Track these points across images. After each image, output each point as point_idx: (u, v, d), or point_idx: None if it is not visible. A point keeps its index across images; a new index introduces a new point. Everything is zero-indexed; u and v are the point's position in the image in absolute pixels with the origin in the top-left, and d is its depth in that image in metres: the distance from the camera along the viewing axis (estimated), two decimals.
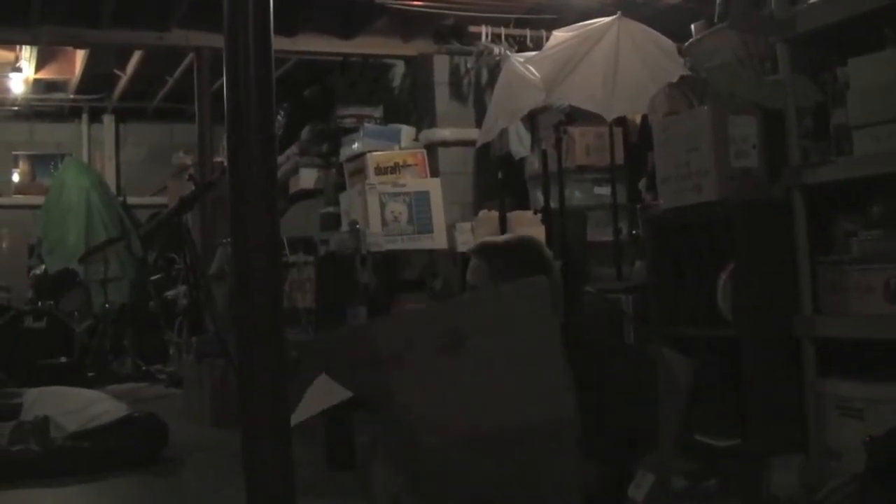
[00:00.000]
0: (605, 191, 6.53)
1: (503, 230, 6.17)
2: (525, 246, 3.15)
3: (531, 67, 5.75)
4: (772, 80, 3.79)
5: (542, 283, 2.52)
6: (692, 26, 4.91)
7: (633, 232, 5.78)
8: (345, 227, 5.77)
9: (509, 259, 3.03)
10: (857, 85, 3.36)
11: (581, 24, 5.71)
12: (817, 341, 3.46)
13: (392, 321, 2.85)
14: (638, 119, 6.02)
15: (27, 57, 9.64)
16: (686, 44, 4.99)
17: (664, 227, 4.03)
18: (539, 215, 5.81)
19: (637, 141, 6.16)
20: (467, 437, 2.38)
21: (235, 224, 3.02)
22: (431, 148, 7.76)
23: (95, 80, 10.75)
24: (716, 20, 4.56)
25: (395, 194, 6.53)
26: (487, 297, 2.72)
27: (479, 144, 6.98)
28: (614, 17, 5.49)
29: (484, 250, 3.14)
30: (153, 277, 9.62)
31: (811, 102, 3.65)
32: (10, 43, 8.93)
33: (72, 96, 11.50)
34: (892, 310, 3.22)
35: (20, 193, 12.40)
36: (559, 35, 5.75)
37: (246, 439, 2.95)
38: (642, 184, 5.27)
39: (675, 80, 4.63)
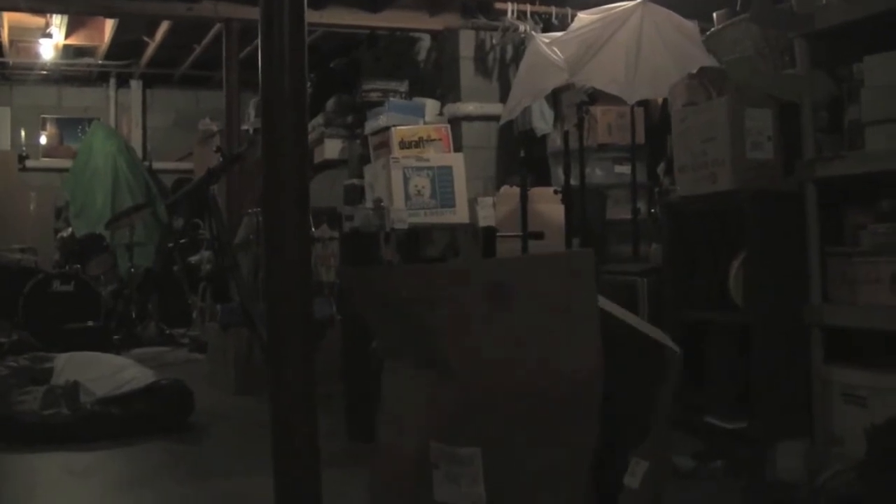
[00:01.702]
0: (625, 169, 6.61)
1: (524, 206, 6.26)
2: None
3: (556, 49, 5.82)
4: (789, 73, 3.87)
5: (589, 253, 2.62)
6: (714, 15, 4.99)
7: (652, 211, 5.86)
8: (369, 202, 5.84)
9: None
10: (872, 82, 3.44)
11: (605, 6, 5.78)
12: (825, 329, 3.56)
13: (440, 267, 2.92)
14: (660, 100, 6.10)
15: (57, 23, 9.75)
16: (707, 33, 5.07)
17: (680, 214, 4.14)
18: (559, 194, 5.90)
19: (658, 121, 6.25)
20: (505, 386, 2.47)
21: (268, 189, 3.12)
22: (455, 122, 7.86)
23: (124, 46, 10.86)
24: (738, 9, 4.64)
25: (419, 168, 6.59)
26: (536, 259, 2.79)
27: (502, 122, 7.07)
28: (638, 1, 5.56)
29: None
30: (176, 242, 9.75)
31: (827, 97, 3.72)
32: (42, 12, 9.04)
33: (100, 62, 11.62)
34: None
35: (48, 156, 12.55)
36: (583, 17, 5.82)
37: (274, 406, 3.05)
38: (661, 168, 5.36)
39: (697, 64, 4.73)
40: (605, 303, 2.65)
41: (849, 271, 3.52)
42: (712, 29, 4.93)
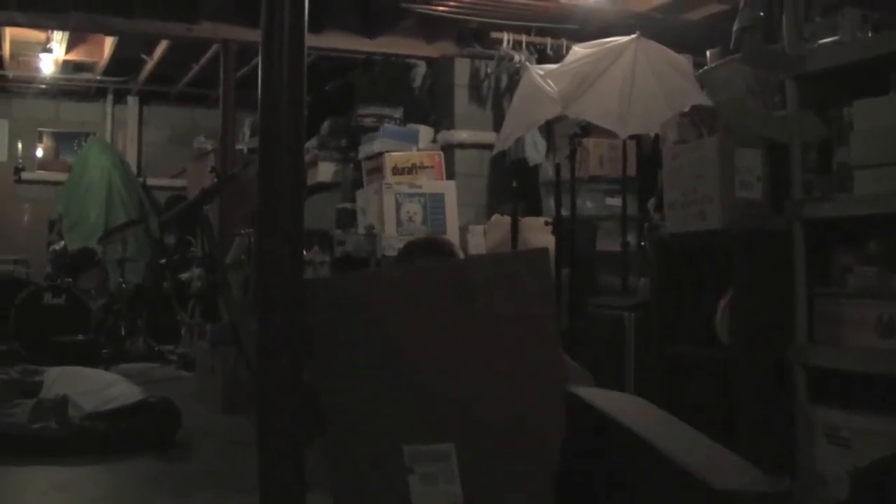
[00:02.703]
0: (616, 202, 6.68)
1: (515, 235, 6.32)
2: (439, 244, 3.35)
3: (550, 81, 5.89)
4: (779, 114, 3.93)
5: (545, 253, 2.65)
6: (707, 53, 5.06)
7: (641, 244, 5.92)
8: (361, 226, 5.92)
9: (427, 255, 3.26)
10: (861, 126, 3.49)
11: (600, 41, 5.85)
12: (810, 369, 3.60)
13: (401, 270, 2.98)
14: (653, 133, 6.16)
15: (58, 39, 9.80)
16: (700, 71, 5.13)
17: (669, 250, 4.19)
18: (550, 225, 5.96)
19: (650, 155, 6.31)
20: (472, 388, 2.51)
21: (264, 208, 3.18)
22: (448, 149, 7.92)
23: (122, 62, 10.92)
24: (731, 47, 4.71)
25: (411, 195, 6.67)
26: (495, 257, 2.84)
27: (495, 152, 7.14)
28: (633, 36, 5.62)
29: (407, 248, 3.38)
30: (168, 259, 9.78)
31: (817, 138, 3.78)
32: (42, 28, 9.08)
33: (99, 77, 11.67)
34: (883, 344, 3.36)
35: (43, 169, 12.57)
36: (578, 50, 5.89)
37: (260, 425, 3.10)
38: (651, 203, 5.42)
39: (689, 100, 4.80)
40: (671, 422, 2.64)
41: (835, 312, 3.56)
42: (705, 67, 5.00)
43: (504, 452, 2.51)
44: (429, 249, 3.32)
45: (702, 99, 4.80)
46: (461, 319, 2.54)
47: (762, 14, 4.43)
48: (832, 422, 3.48)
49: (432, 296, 2.57)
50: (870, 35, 3.56)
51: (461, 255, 3.28)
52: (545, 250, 2.69)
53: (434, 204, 6.55)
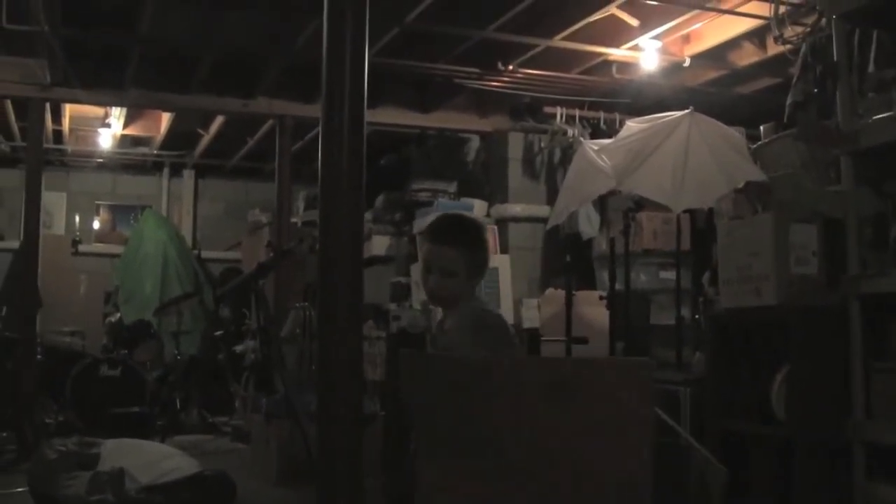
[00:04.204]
0: (670, 275, 6.66)
1: (569, 309, 6.31)
2: (466, 226, 3.37)
3: (603, 156, 5.92)
4: (834, 189, 3.94)
5: (649, 363, 2.66)
6: (762, 128, 5.08)
7: (696, 317, 5.90)
8: (416, 301, 5.95)
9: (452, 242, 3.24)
10: None
11: (653, 115, 5.88)
12: (868, 446, 3.57)
13: (504, 357, 2.98)
14: (706, 207, 6.16)
15: (116, 114, 9.98)
16: (754, 146, 5.15)
17: (724, 326, 4.18)
18: (604, 299, 5.96)
19: (704, 227, 6.30)
20: (562, 482, 2.52)
21: (324, 279, 3.23)
22: (502, 223, 7.97)
23: (179, 137, 11.08)
24: (785, 122, 4.73)
25: None
26: (596, 362, 2.84)
27: (549, 226, 7.16)
28: (686, 112, 5.65)
29: (434, 228, 3.38)
30: (223, 332, 9.85)
31: (872, 213, 3.78)
32: (101, 105, 9.26)
33: (155, 152, 11.86)
34: None
35: (100, 242, 12.75)
36: (632, 125, 5.92)
37: (321, 499, 3.12)
38: (706, 277, 5.40)
39: (743, 175, 4.81)
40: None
41: (892, 388, 3.54)
42: (759, 142, 5.02)
43: None
44: (455, 233, 3.26)
45: (756, 174, 4.81)
46: (559, 416, 2.56)
47: (815, 90, 4.45)
48: (890, 499, 3.45)
49: (532, 388, 2.59)
50: None
51: (488, 241, 3.25)
52: (648, 362, 2.71)
53: (488, 278, 6.55)
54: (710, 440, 4.05)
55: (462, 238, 3.24)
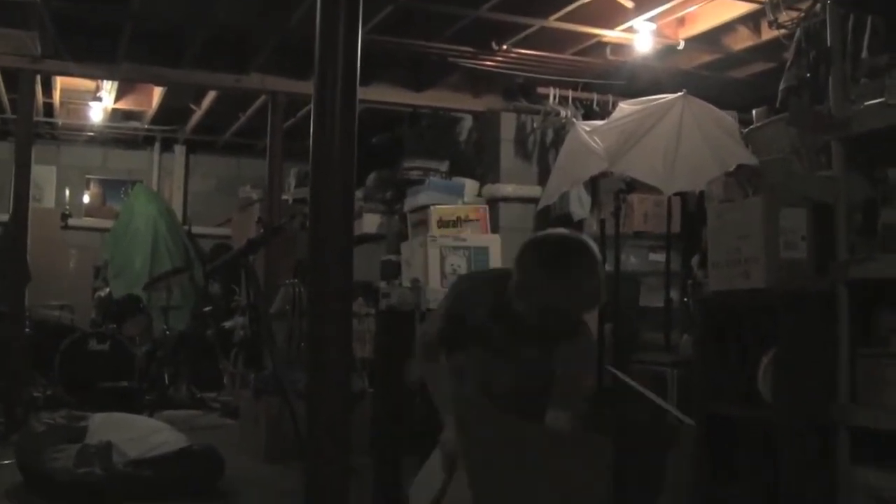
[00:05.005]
0: (659, 258, 6.69)
1: None
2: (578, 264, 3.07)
3: (596, 137, 5.93)
4: (825, 175, 3.94)
5: (607, 447, 2.86)
6: (753, 112, 5.09)
7: (684, 300, 5.92)
8: (406, 279, 5.94)
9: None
10: None
11: (646, 98, 5.89)
12: (852, 430, 3.59)
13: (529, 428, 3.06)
14: (697, 191, 6.18)
15: (107, 88, 9.95)
16: (746, 130, 5.16)
17: (713, 309, 4.19)
18: None
19: (694, 210, 6.32)
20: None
21: (315, 257, 3.23)
22: (493, 203, 7.95)
23: (170, 112, 11.05)
24: (777, 106, 4.73)
25: (456, 248, 6.66)
26: (564, 438, 2.95)
27: (540, 207, 7.17)
28: (679, 94, 5.66)
29: (542, 253, 3.09)
30: (212, 307, 9.85)
31: (862, 199, 3.79)
32: (92, 78, 9.23)
33: (147, 126, 11.83)
34: None
35: (90, 216, 12.72)
36: (625, 107, 5.93)
37: (309, 474, 3.13)
38: (695, 260, 5.42)
39: (735, 159, 4.82)
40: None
41: (878, 373, 3.56)
42: (751, 126, 5.02)
43: None
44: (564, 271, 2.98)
45: (747, 158, 4.81)
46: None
47: (808, 75, 4.45)
48: (875, 483, 3.47)
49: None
50: None
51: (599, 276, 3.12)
52: (607, 443, 2.90)
53: (478, 257, 6.55)
54: (696, 422, 4.07)
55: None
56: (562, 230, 3.14)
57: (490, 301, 3.18)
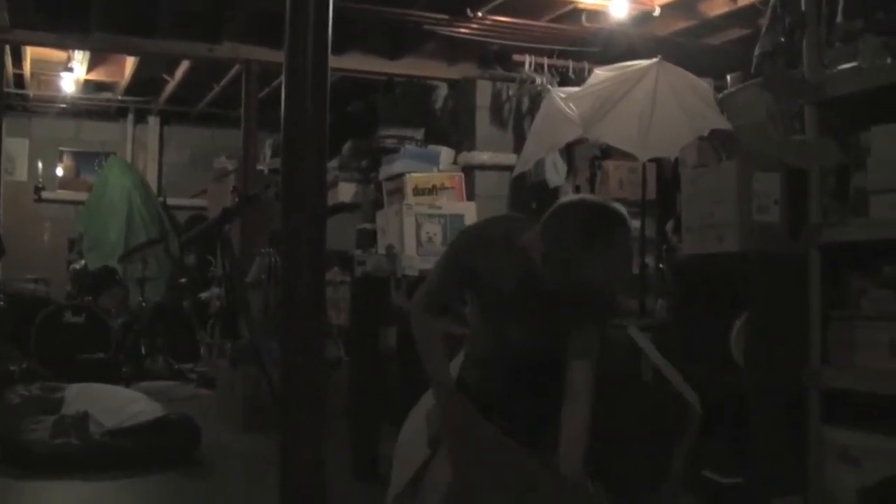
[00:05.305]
0: (635, 224, 6.69)
1: None
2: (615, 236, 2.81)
3: (571, 104, 5.91)
4: (798, 140, 3.96)
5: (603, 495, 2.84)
6: (728, 77, 5.09)
7: (659, 266, 5.94)
8: (381, 247, 5.95)
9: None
10: (878, 152, 3.53)
11: (621, 64, 5.87)
12: (823, 391, 3.63)
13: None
14: (673, 157, 6.19)
15: (79, 59, 9.87)
16: (720, 95, 5.16)
17: (686, 272, 4.22)
18: None
19: (670, 177, 6.33)
20: None
21: (287, 226, 3.23)
22: (469, 171, 7.95)
23: (143, 83, 10.99)
24: (752, 72, 4.74)
25: (431, 216, 6.69)
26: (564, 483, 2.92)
27: (515, 173, 7.16)
28: (654, 60, 5.64)
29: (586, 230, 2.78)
30: (188, 278, 9.83)
31: (834, 164, 3.80)
32: (64, 48, 9.16)
33: (119, 97, 11.76)
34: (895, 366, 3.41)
35: (63, 189, 12.65)
36: (600, 73, 5.91)
37: (283, 442, 3.13)
38: (669, 226, 5.43)
39: (709, 125, 4.82)
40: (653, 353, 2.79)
41: (849, 335, 3.59)
42: (725, 91, 5.03)
43: None
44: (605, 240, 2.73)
45: (722, 123, 4.82)
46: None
47: (783, 40, 4.45)
48: (843, 441, 3.52)
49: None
50: (889, 62, 3.58)
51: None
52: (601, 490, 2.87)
53: (454, 225, 6.56)
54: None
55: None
56: (598, 198, 2.95)
57: (503, 256, 2.99)
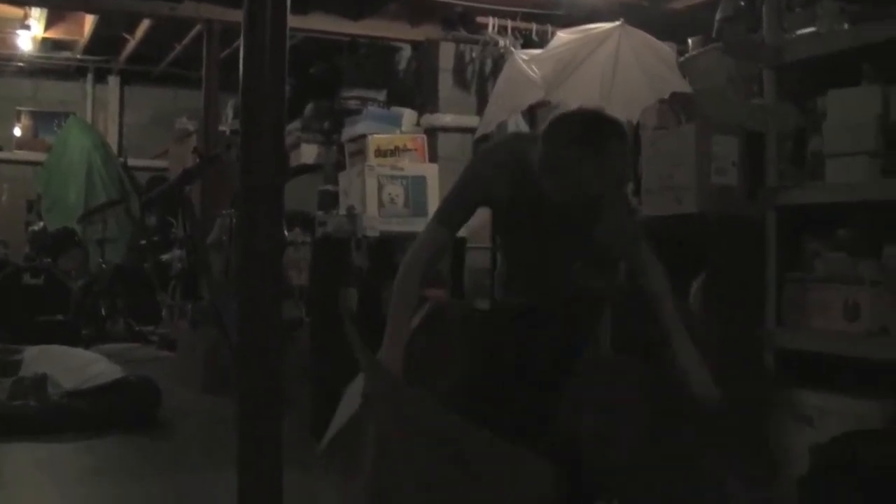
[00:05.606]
0: None
1: None
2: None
3: (533, 66, 5.92)
4: (757, 103, 3.98)
5: (545, 470, 2.79)
6: (689, 40, 5.11)
7: None
8: (343, 208, 5.94)
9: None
10: (833, 116, 3.57)
11: (584, 27, 5.86)
12: (778, 352, 3.68)
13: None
14: (634, 121, 6.20)
15: (37, 16, 9.76)
16: (682, 58, 5.17)
17: (646, 234, 4.24)
18: None
19: (631, 139, 6.35)
20: None
21: (245, 188, 3.21)
22: (432, 132, 7.93)
23: (103, 41, 10.88)
24: (713, 36, 4.75)
25: (393, 177, 6.68)
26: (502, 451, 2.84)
27: (477, 135, 7.15)
28: (617, 23, 5.65)
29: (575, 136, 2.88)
30: (149, 240, 9.80)
31: (792, 128, 3.84)
32: (21, 5, 9.04)
33: (79, 56, 11.65)
34: (848, 327, 3.46)
35: (21, 149, 12.54)
36: (563, 36, 5.91)
37: (241, 403, 3.13)
38: (629, 188, 5.45)
39: (671, 89, 4.84)
40: None
41: (803, 297, 3.64)
42: (687, 55, 5.04)
43: None
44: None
45: (683, 86, 4.83)
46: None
47: (743, 4, 4.47)
48: (797, 401, 3.56)
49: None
50: (846, 27, 3.61)
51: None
52: (546, 467, 2.81)
53: (416, 186, 6.57)
54: (628, 344, 4.12)
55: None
56: (593, 108, 3.04)
57: (515, 175, 3.07)
